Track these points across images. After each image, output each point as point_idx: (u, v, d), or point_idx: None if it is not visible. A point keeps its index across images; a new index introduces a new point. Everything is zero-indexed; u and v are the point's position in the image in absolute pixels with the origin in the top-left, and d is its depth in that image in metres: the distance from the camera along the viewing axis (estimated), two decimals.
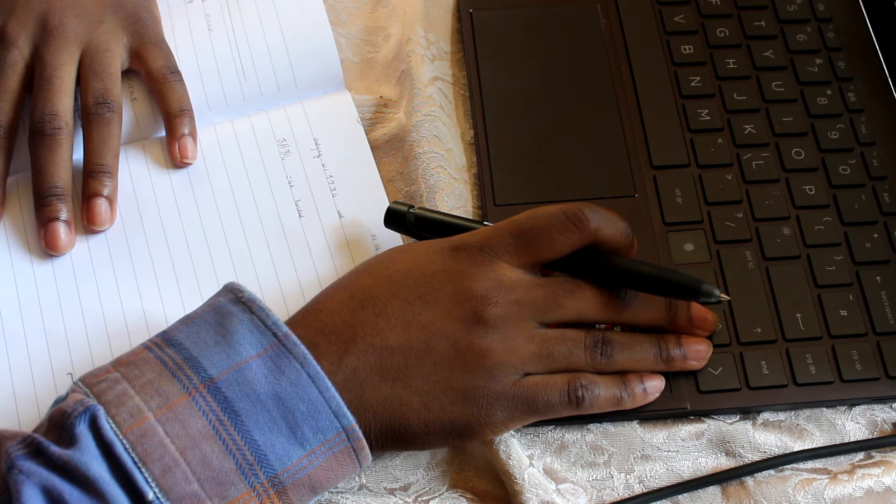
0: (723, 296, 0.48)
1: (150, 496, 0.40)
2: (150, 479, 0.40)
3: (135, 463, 0.40)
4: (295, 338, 0.44)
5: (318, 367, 0.43)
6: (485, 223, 0.51)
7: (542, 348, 0.47)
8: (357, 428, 0.44)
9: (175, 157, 0.57)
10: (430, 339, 0.46)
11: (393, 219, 0.54)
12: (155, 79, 0.58)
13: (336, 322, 0.46)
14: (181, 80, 0.58)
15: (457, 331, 0.46)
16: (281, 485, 0.42)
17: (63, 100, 0.55)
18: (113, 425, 0.41)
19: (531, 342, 0.47)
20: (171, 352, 0.43)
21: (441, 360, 0.46)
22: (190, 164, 0.57)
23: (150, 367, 0.43)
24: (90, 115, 0.56)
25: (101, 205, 0.55)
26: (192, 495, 0.40)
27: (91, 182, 0.55)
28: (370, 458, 0.45)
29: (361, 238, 0.56)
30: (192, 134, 0.58)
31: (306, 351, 0.43)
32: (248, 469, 0.41)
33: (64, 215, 0.54)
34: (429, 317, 0.46)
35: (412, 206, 0.53)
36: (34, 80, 0.56)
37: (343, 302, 0.47)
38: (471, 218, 0.55)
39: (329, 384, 0.43)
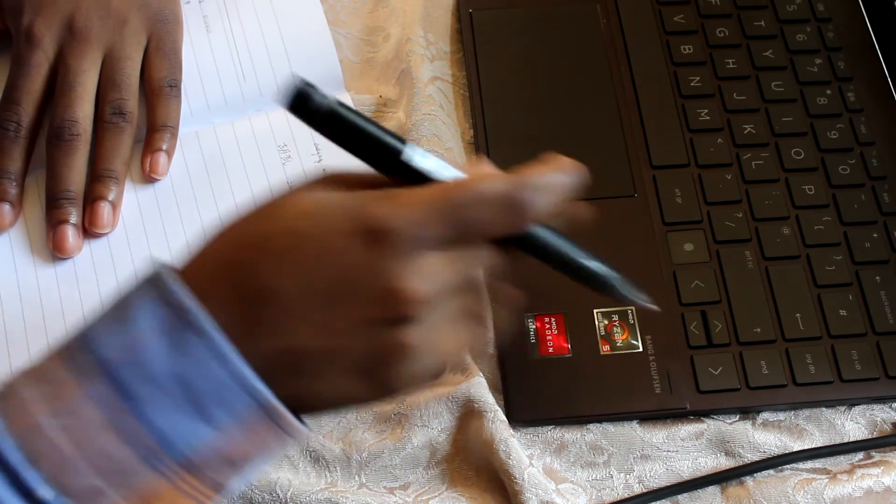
0: (650, 305, 0.45)
1: (47, 496, 0.36)
2: (43, 479, 0.37)
3: (25, 462, 0.36)
4: (198, 312, 0.38)
5: (224, 341, 0.38)
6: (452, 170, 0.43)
7: (455, 329, 0.43)
8: (271, 399, 0.39)
9: (145, 170, 0.58)
10: (345, 340, 0.40)
11: (300, 104, 0.41)
12: (151, 89, 0.59)
13: (234, 316, 0.40)
14: (177, 94, 0.59)
15: (375, 331, 0.41)
16: (194, 466, 0.38)
17: (84, 106, 0.56)
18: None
19: (451, 329, 0.43)
20: (69, 337, 0.39)
21: (357, 358, 0.41)
22: (158, 179, 0.58)
23: (45, 356, 0.39)
24: (104, 122, 0.56)
25: (105, 208, 0.55)
26: (92, 490, 0.37)
27: (97, 185, 0.56)
28: (302, 428, 0.40)
29: None
30: (169, 151, 0.58)
31: (204, 318, 0.38)
32: (150, 456, 0.38)
33: (74, 219, 0.55)
34: (345, 319, 0.40)
35: (331, 98, 0.41)
36: (56, 84, 0.57)
37: (241, 293, 0.40)
38: (394, 134, 0.42)
39: (235, 357, 0.38)
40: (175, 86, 0.59)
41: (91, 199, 0.56)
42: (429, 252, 0.40)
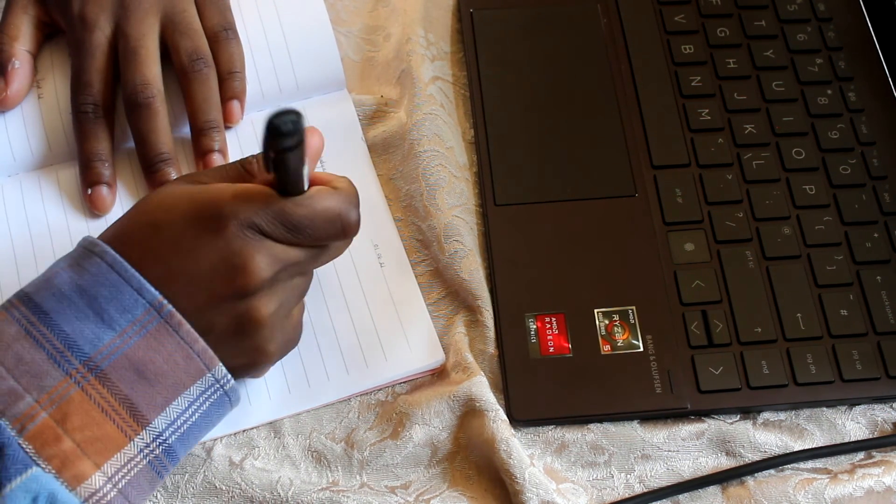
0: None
1: None
2: None
3: None
4: (95, 239, 0.45)
5: (118, 256, 0.44)
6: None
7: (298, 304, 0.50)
8: (165, 302, 0.44)
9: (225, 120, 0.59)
10: (208, 316, 0.45)
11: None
12: (209, 38, 0.59)
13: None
14: (235, 37, 0.59)
15: (230, 304, 0.45)
16: (98, 368, 0.42)
17: (151, 67, 0.56)
18: None
19: (297, 304, 0.49)
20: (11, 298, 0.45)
21: (223, 330, 0.46)
22: (232, 126, 0.59)
23: None
24: (187, 73, 0.57)
25: (218, 159, 0.57)
26: (8, 391, 0.41)
27: (203, 140, 0.57)
28: (200, 339, 0.44)
29: (363, 247, 0.56)
30: (241, 97, 0.59)
31: (106, 246, 0.44)
32: (59, 357, 0.42)
33: (174, 178, 0.56)
34: (204, 295, 0.45)
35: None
36: (119, 55, 0.57)
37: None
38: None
39: (128, 266, 0.44)
40: (230, 29, 0.59)
41: (202, 154, 0.57)
42: (272, 240, 0.45)
